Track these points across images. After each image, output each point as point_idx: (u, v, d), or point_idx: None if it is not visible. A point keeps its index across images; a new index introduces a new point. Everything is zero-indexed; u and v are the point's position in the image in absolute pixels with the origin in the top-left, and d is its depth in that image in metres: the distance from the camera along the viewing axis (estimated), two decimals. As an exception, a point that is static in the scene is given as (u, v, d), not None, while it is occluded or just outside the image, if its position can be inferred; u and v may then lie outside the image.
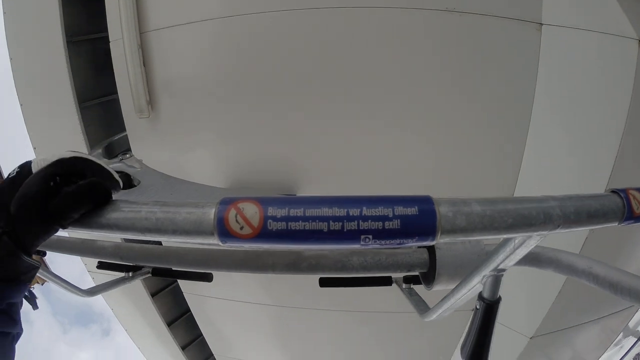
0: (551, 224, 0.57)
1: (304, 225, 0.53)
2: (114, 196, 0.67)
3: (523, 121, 3.10)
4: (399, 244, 0.53)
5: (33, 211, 0.59)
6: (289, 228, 0.53)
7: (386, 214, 0.52)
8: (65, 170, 0.63)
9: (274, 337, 5.54)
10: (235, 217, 0.54)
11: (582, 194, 0.63)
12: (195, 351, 6.47)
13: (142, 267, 1.55)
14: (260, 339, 5.62)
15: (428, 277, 1.03)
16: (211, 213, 0.56)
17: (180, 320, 5.76)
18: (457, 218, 0.53)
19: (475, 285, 0.87)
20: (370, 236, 0.52)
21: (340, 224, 0.52)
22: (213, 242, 0.57)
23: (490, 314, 0.87)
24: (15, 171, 0.63)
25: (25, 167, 0.63)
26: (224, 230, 0.54)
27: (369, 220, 0.52)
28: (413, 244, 0.53)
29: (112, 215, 0.61)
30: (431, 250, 0.89)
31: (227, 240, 0.55)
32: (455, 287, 0.94)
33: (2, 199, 0.60)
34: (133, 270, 1.57)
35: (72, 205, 0.60)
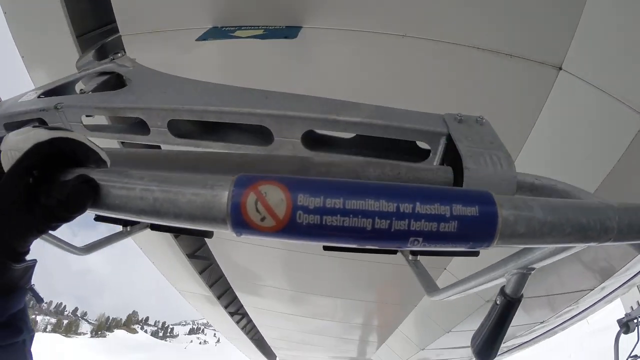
0: (605, 236, 0.50)
1: (343, 221, 0.44)
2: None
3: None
4: (450, 248, 0.45)
5: (15, 222, 0.49)
6: (324, 223, 0.44)
7: (443, 213, 0.44)
8: (44, 160, 0.51)
9: (285, 270, 6.25)
10: (256, 204, 0.44)
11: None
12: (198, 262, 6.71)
13: (140, 222, 1.43)
14: (274, 271, 6.27)
15: None
16: (224, 196, 0.45)
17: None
18: (518, 223, 0.46)
19: (498, 279, 0.81)
20: (421, 239, 0.44)
21: (388, 222, 0.44)
22: (225, 231, 0.47)
23: (510, 312, 0.84)
24: None
25: None
26: (239, 220, 0.44)
27: (422, 220, 0.44)
28: (464, 249, 0.46)
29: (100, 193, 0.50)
30: (457, 168, 0.77)
31: (244, 231, 0.45)
32: (475, 275, 0.87)
33: None
34: (131, 224, 1.53)
35: (62, 215, 0.51)
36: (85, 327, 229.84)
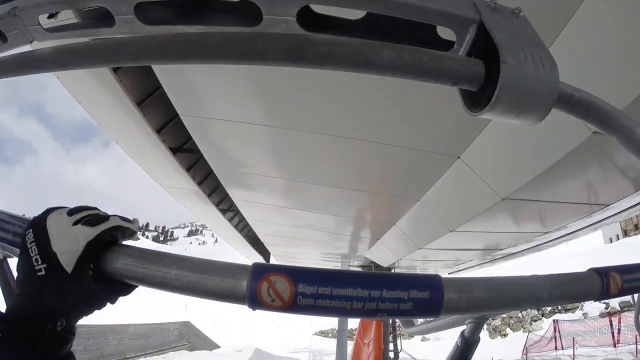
0: (537, 303, 0.67)
1: (330, 303, 0.60)
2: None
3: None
4: (408, 318, 0.62)
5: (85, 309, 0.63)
6: (317, 304, 0.60)
7: (402, 297, 0.60)
8: (99, 254, 0.64)
9: (273, 154, 5.46)
10: (268, 290, 0.60)
11: (568, 275, 0.73)
12: (185, 156, 6.40)
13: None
14: (261, 156, 5.51)
15: (478, 98, 0.76)
16: (244, 284, 0.60)
17: (170, 124, 5.49)
18: (460, 301, 0.62)
19: (458, 325, 0.94)
20: (385, 314, 0.61)
21: (362, 303, 0.60)
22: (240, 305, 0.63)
23: (469, 352, 1.00)
24: (42, 267, 0.61)
25: (53, 260, 0.61)
26: (255, 301, 0.60)
27: (387, 302, 0.60)
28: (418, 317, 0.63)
29: (141, 270, 0.64)
30: (490, 63, 0.70)
31: (257, 307, 0.61)
32: (441, 319, 0.99)
33: (47, 300, 0.61)
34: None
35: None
36: None
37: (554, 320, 17.81)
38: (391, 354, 12.14)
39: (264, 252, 13.68)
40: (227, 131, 4.90)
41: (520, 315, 35.97)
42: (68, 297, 0.61)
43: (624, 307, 27.63)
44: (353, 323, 35.28)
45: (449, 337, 37.70)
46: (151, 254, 0.66)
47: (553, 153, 3.56)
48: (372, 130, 4.32)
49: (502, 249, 8.92)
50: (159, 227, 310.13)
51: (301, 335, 46.30)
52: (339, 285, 0.60)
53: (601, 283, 0.74)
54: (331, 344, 38.61)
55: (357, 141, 4.47)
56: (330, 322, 48.30)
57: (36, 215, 0.68)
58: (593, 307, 30.68)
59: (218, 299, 0.63)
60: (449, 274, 15.24)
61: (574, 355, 13.96)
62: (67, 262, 0.61)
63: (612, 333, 13.98)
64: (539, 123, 0.78)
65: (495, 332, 36.56)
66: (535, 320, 34.95)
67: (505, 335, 35.97)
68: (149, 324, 15.25)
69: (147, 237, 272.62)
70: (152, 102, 4.98)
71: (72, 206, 0.70)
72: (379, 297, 0.60)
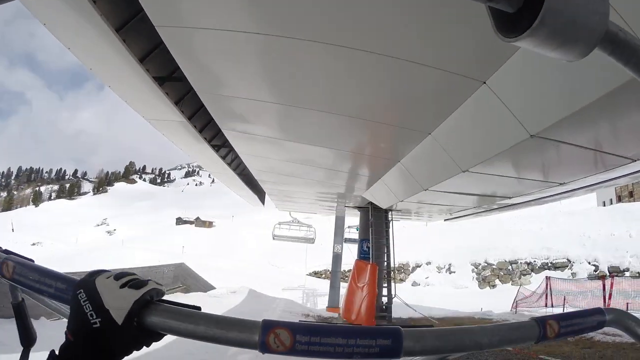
0: (480, 348, 0.89)
1: (319, 348, 0.83)
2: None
3: None
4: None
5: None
6: (310, 349, 0.83)
7: (371, 344, 0.83)
8: (141, 310, 0.83)
9: (263, 71, 4.99)
10: (274, 339, 0.82)
11: (511, 324, 0.95)
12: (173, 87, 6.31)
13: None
14: (249, 73, 5.06)
15: (514, 21, 0.66)
16: (256, 336, 0.82)
17: (153, 54, 5.37)
18: (415, 347, 0.84)
19: None
20: (359, 356, 0.83)
21: (342, 348, 0.83)
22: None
23: None
24: (97, 320, 0.79)
25: (106, 315, 0.80)
26: (264, 346, 0.82)
27: (360, 347, 0.83)
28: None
29: (175, 324, 0.84)
30: None
31: (266, 352, 0.84)
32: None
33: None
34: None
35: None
36: (87, 186, 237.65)
37: (546, 277, 18.37)
38: (384, 299, 12.74)
39: (259, 192, 13.86)
40: (211, 43, 4.39)
41: (510, 267, 37.37)
42: (118, 343, 0.81)
43: (613, 272, 28.59)
44: (347, 265, 36.44)
45: (439, 284, 39.16)
46: (181, 312, 0.86)
47: (591, 91, 3.35)
48: (384, 41, 3.78)
49: (502, 198, 8.98)
50: (155, 169, 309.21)
51: (296, 276, 47.65)
52: (325, 335, 0.83)
53: (539, 330, 0.94)
54: (324, 284, 39.91)
55: (365, 53, 3.93)
56: (324, 263, 49.58)
57: (82, 277, 0.85)
58: (582, 268, 31.91)
59: (237, 346, 0.85)
60: (444, 220, 15.80)
61: None
62: (118, 316, 0.80)
63: (604, 297, 14.52)
64: (578, 60, 0.73)
65: (485, 282, 37.95)
66: (524, 274, 36.28)
67: (494, 286, 37.37)
68: (141, 267, 15.67)
69: (144, 180, 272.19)
70: (135, 27, 4.74)
71: (113, 269, 0.91)
72: (354, 344, 0.83)
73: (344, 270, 40.60)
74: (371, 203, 13.13)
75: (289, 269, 55.03)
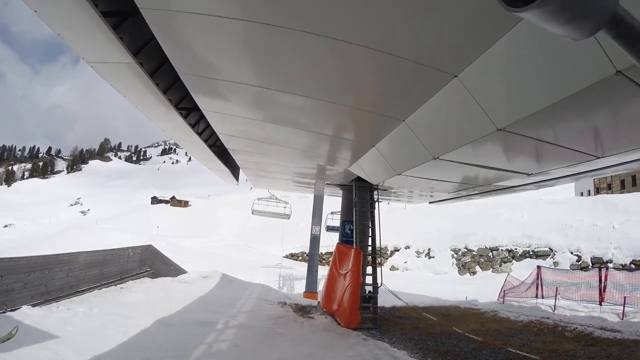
0: None
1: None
2: None
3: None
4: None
5: None
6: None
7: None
8: None
9: (247, 55, 4.89)
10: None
11: None
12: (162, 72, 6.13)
13: None
14: (233, 57, 4.98)
15: None
16: None
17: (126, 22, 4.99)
18: None
19: None
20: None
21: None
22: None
23: None
24: None
25: None
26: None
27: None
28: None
29: None
30: None
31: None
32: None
33: None
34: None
35: None
36: (61, 164, 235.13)
37: (537, 266, 17.32)
38: (368, 288, 11.43)
39: (233, 167, 12.70)
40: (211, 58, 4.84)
41: (490, 254, 36.61)
42: None
43: (596, 263, 28.46)
44: (325, 248, 35.63)
45: (417, 269, 38.37)
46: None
47: (562, 89, 3.52)
48: (366, 33, 3.91)
49: (480, 185, 9.46)
50: (131, 146, 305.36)
51: (273, 258, 46.44)
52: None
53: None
54: (301, 267, 38.91)
55: (346, 44, 4.07)
56: (301, 245, 48.58)
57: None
58: (564, 258, 31.29)
59: None
60: (429, 203, 15.22)
61: (555, 306, 13.57)
62: None
63: (600, 289, 13.56)
64: (583, 39, 0.85)
65: (465, 268, 37.29)
66: (505, 262, 35.52)
67: (474, 272, 36.67)
68: (103, 251, 14.05)
69: (119, 158, 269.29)
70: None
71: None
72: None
73: (322, 253, 40.31)
74: (356, 180, 11.82)
75: (265, 251, 53.71)
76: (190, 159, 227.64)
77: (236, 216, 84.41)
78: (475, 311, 13.82)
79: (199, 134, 9.10)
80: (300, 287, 29.84)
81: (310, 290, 24.19)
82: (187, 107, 7.68)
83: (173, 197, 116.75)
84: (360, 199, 11.80)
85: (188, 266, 37.12)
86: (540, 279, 16.39)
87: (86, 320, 8.88)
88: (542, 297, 15.69)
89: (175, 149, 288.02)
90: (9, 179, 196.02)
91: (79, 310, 9.77)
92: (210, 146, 10.28)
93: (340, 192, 13.78)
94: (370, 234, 11.80)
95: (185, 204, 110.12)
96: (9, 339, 6.85)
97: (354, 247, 11.17)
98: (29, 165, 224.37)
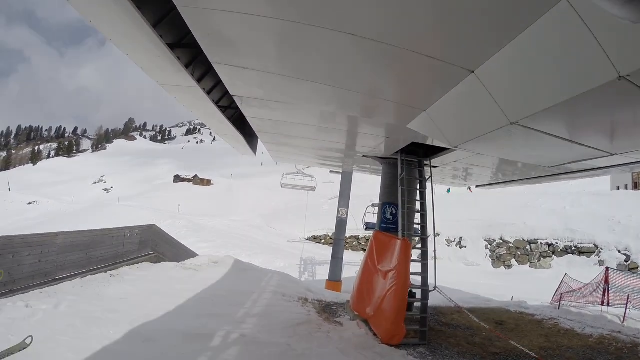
0: None
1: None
2: None
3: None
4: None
5: None
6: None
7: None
8: None
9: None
10: None
11: None
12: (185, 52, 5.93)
13: None
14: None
15: None
16: None
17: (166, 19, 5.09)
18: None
19: None
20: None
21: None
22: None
23: None
24: None
25: None
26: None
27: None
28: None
29: None
30: None
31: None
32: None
33: None
34: None
35: None
36: (86, 144, 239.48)
37: (606, 268, 14.28)
38: (415, 291, 8.86)
39: (251, 136, 10.61)
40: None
41: (528, 247, 33.37)
42: None
43: None
44: (350, 231, 33.17)
45: (447, 259, 35.38)
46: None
47: (573, 88, 3.51)
48: (389, 28, 3.89)
49: (508, 174, 9.90)
50: (156, 126, 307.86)
51: (295, 241, 44.22)
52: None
53: None
54: (324, 250, 36.71)
55: (372, 42, 4.10)
56: (325, 228, 46.40)
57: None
58: (611, 257, 28.28)
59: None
60: (477, 186, 13.63)
61: (624, 316, 10.88)
62: None
63: None
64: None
65: (499, 261, 34.12)
66: (544, 257, 32.32)
67: (509, 266, 33.55)
68: (90, 231, 11.79)
69: (144, 137, 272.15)
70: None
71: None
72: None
73: (348, 237, 38.06)
74: (402, 152, 9.24)
75: (287, 232, 51.58)
76: (214, 138, 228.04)
77: (259, 196, 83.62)
78: (529, 318, 11.25)
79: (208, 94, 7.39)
80: (322, 274, 27.82)
81: (334, 279, 21.95)
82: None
83: (195, 176, 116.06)
84: (408, 175, 9.19)
85: (205, 246, 35.47)
86: (608, 283, 13.49)
87: (38, 326, 6.57)
88: (608, 305, 12.89)
89: (199, 129, 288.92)
90: (35, 158, 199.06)
91: (41, 308, 7.50)
92: (225, 111, 8.48)
93: (380, 168, 11.14)
94: (420, 221, 9.22)
95: (207, 182, 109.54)
96: (23, 348, 5.42)
97: (400, 237, 8.58)
98: (55, 145, 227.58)
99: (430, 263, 9.03)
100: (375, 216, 12.60)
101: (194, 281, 11.45)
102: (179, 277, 11.86)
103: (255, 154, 12.95)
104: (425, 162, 9.44)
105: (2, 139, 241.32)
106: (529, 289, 21.04)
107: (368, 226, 19.47)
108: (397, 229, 9.19)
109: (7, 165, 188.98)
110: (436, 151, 9.24)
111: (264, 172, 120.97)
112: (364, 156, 10.53)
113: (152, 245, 15.06)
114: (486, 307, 12.57)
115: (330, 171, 30.35)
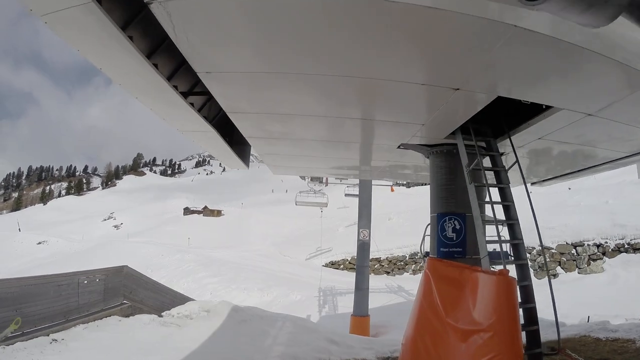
0: None
1: None
2: None
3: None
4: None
5: None
6: None
7: None
8: None
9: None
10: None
11: None
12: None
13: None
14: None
15: None
16: None
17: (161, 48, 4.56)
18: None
19: None
20: None
21: None
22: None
23: None
24: None
25: None
26: None
27: None
28: None
29: None
30: None
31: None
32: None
33: None
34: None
35: None
36: (96, 181, 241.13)
37: None
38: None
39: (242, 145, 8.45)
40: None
41: (574, 251, 28.88)
42: None
43: None
44: (377, 252, 29.77)
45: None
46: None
47: None
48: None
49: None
50: (166, 160, 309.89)
51: (312, 269, 40.55)
52: None
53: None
54: (344, 277, 33.24)
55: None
56: (343, 252, 42.88)
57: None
58: None
59: None
60: (532, 184, 10.34)
61: None
62: None
63: None
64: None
65: (541, 270, 29.28)
66: (594, 260, 27.84)
67: (554, 275, 28.73)
68: (22, 279, 8.71)
69: (154, 172, 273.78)
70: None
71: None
72: None
73: (375, 259, 34.67)
74: (460, 131, 5.89)
75: (302, 260, 48.00)
76: (224, 169, 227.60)
77: (270, 224, 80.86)
78: (633, 346, 7.94)
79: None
80: (344, 305, 24.42)
81: (360, 314, 18.39)
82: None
83: (205, 207, 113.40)
84: (476, 166, 5.77)
85: (214, 281, 32.45)
86: None
87: None
88: None
89: (209, 161, 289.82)
90: (45, 197, 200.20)
91: None
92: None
93: (424, 162, 7.67)
94: (510, 236, 5.74)
95: (218, 213, 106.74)
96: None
97: (496, 268, 5.07)
98: (65, 184, 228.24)
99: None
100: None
101: (168, 349, 7.99)
102: (150, 342, 8.42)
103: (248, 167, 9.81)
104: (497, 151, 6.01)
105: (14, 180, 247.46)
106: (587, 300, 18.85)
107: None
108: (465, 253, 5.75)
109: (18, 205, 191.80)
110: (512, 126, 5.95)
111: (275, 199, 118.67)
112: (400, 146, 7.08)
113: (125, 293, 11.63)
114: (572, 336, 9.06)
115: (346, 194, 28.44)
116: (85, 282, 10.09)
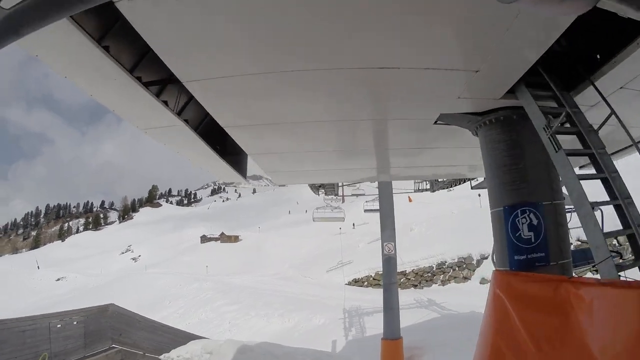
0: None
1: None
2: None
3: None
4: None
5: None
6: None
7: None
8: None
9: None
10: None
11: None
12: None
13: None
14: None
15: None
16: None
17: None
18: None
19: None
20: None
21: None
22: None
23: None
24: None
25: None
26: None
27: None
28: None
29: None
30: None
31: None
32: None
33: None
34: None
35: None
36: (113, 216, 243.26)
37: None
38: None
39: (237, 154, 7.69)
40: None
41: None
42: None
43: None
44: (402, 265, 27.87)
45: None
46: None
47: None
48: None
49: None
50: (181, 190, 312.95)
51: (334, 288, 38.42)
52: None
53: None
54: (369, 295, 31.29)
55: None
56: (366, 268, 40.87)
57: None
58: None
59: None
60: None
61: None
62: None
63: None
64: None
65: None
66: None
67: None
68: (21, 319, 7.18)
69: (170, 203, 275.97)
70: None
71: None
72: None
73: (402, 272, 32.81)
74: (526, 87, 4.07)
75: (324, 280, 45.95)
76: (240, 195, 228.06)
77: (288, 246, 79.06)
78: None
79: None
80: (372, 326, 22.39)
81: (391, 337, 16.33)
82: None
83: (222, 233, 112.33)
84: (562, 129, 3.95)
85: (232, 309, 30.74)
86: None
87: None
88: None
89: (224, 188, 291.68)
90: (63, 234, 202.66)
91: None
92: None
93: (472, 139, 5.71)
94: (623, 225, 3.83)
95: (235, 239, 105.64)
96: None
97: (619, 280, 3.19)
98: (83, 220, 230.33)
99: None
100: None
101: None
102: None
103: (245, 178, 8.46)
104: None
105: (32, 219, 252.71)
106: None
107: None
108: (548, 259, 3.90)
109: (36, 243, 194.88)
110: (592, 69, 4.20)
111: (291, 221, 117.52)
112: (436, 122, 5.23)
113: (114, 336, 9.82)
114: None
115: (365, 210, 27.70)
116: (59, 325, 8.32)
